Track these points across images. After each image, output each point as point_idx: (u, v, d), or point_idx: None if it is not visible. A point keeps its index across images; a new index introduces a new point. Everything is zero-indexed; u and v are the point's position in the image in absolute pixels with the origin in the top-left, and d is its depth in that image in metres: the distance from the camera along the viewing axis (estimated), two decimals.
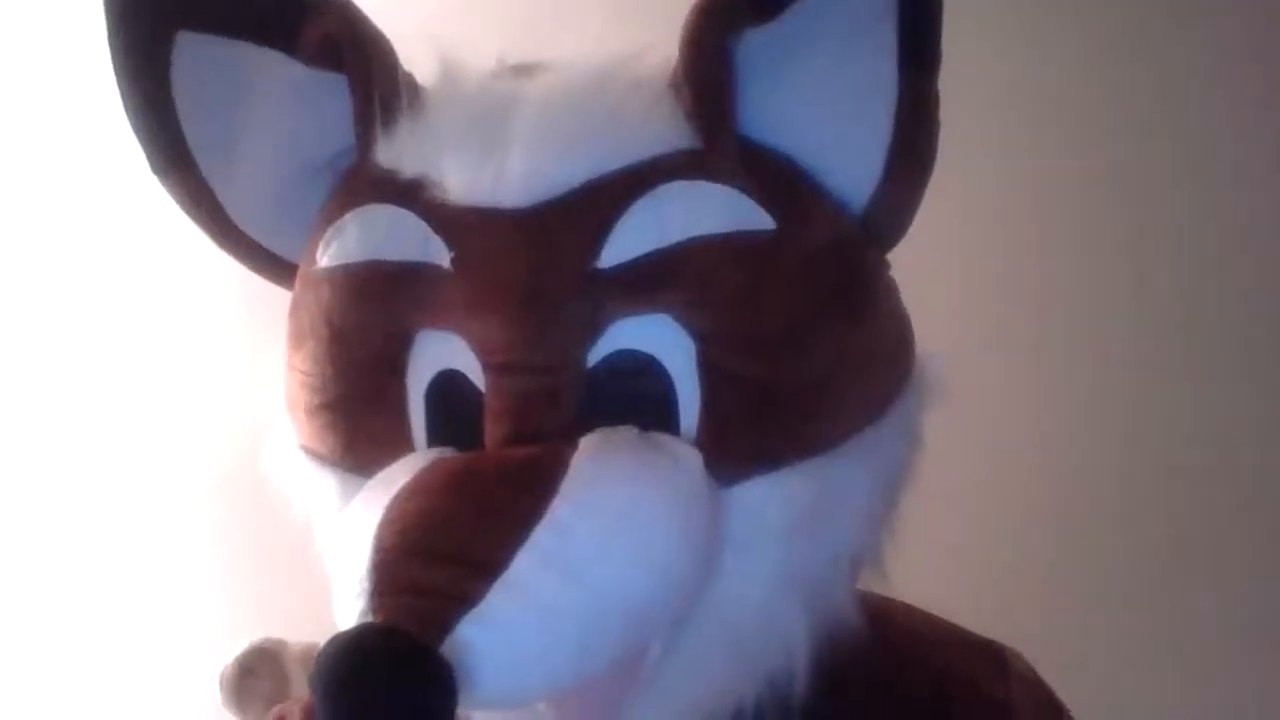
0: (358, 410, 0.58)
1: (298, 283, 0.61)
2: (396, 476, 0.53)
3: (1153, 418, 1.15)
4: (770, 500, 0.55)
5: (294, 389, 0.61)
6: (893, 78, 0.57)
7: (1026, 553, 1.15)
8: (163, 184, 0.61)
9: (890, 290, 0.61)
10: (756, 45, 0.56)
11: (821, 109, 0.58)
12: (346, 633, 0.47)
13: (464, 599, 0.47)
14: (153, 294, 1.35)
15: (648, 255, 0.53)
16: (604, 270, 0.53)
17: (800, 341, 0.55)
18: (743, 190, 0.55)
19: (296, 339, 0.60)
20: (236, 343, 1.29)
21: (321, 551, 0.62)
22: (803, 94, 0.57)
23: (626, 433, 0.53)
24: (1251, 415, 1.14)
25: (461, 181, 0.54)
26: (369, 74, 0.58)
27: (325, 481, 0.60)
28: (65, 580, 1.38)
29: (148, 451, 1.36)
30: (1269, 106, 1.11)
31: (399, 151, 0.57)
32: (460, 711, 0.47)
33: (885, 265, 0.61)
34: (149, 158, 0.61)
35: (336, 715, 0.46)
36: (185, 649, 1.32)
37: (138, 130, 0.60)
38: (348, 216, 0.57)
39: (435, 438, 0.57)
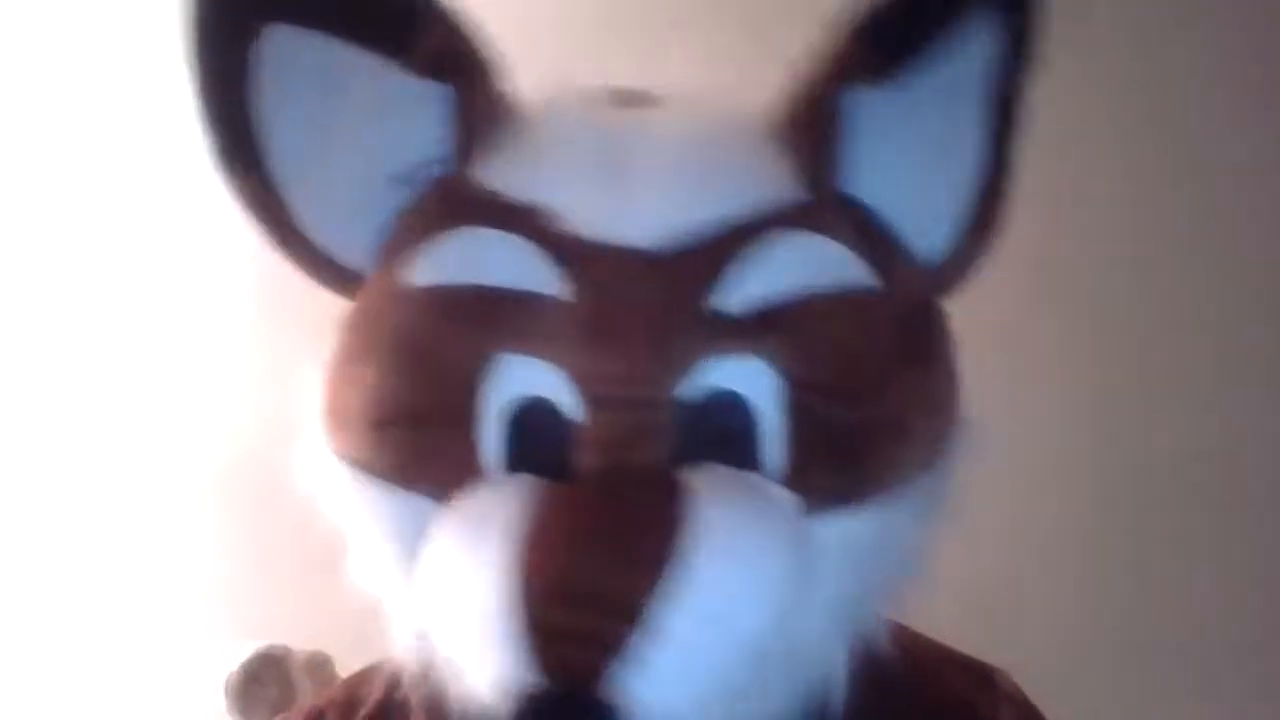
0: (428, 429, 0.56)
1: (373, 294, 0.59)
2: (496, 509, 0.53)
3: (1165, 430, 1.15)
4: (836, 537, 0.56)
5: (351, 401, 0.59)
6: (980, 143, 0.60)
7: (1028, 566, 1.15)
8: (225, 180, 0.58)
9: (951, 340, 0.62)
10: (863, 103, 0.57)
11: (913, 170, 0.59)
12: (531, 687, 0.48)
13: (620, 647, 0.48)
14: (156, 292, 1.36)
15: (762, 301, 0.54)
16: (721, 313, 0.54)
17: (883, 390, 0.57)
18: (845, 244, 0.57)
19: (365, 351, 0.58)
20: (242, 343, 1.30)
21: (355, 563, 0.61)
22: (898, 154, 0.59)
23: (728, 474, 0.54)
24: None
25: (586, 214, 0.54)
26: (479, 91, 0.57)
27: (373, 497, 0.58)
28: (62, 581, 1.39)
29: (150, 450, 1.36)
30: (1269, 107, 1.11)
31: (508, 174, 0.56)
32: None
33: (947, 316, 0.62)
34: (216, 152, 0.58)
35: None
36: (184, 650, 1.32)
37: (208, 121, 0.57)
38: (450, 236, 0.56)
39: (510, 463, 0.56)
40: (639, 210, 0.54)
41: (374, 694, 0.70)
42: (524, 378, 0.55)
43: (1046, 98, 1.12)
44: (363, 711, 0.69)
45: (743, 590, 0.51)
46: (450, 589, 0.53)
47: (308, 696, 1.01)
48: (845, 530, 0.56)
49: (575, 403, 0.54)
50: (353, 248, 0.59)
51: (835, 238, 0.56)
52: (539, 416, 0.55)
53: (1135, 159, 1.13)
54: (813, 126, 0.57)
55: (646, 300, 0.54)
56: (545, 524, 0.51)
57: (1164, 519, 1.16)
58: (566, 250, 0.54)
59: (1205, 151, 1.12)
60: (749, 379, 0.55)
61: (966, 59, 0.59)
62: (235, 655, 1.05)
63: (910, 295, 0.59)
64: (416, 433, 0.57)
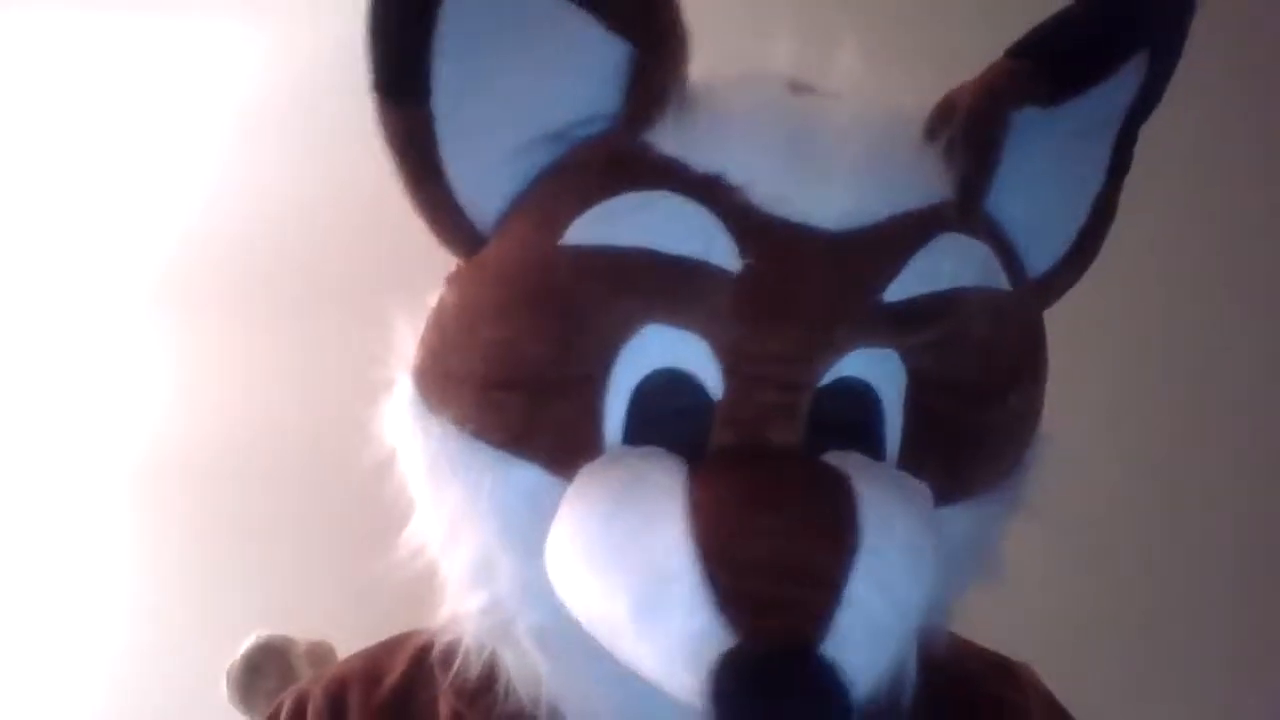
0: (554, 392, 0.55)
1: (508, 250, 0.57)
2: (655, 478, 0.53)
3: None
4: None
5: (468, 359, 0.57)
6: (1099, 177, 0.64)
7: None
8: (380, 106, 0.56)
9: (1048, 358, 0.64)
10: (1023, 125, 0.59)
11: (1044, 194, 0.62)
12: (748, 655, 0.48)
13: (824, 618, 0.49)
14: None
15: (923, 296, 0.55)
16: (886, 304, 0.54)
17: (1001, 396, 0.59)
18: (991, 250, 0.58)
19: (493, 308, 0.57)
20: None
21: (415, 533, 0.61)
22: (1035, 177, 0.61)
23: (866, 460, 0.55)
24: None
25: (773, 192, 0.54)
26: (665, 55, 0.56)
27: (476, 461, 0.57)
28: (60, 570, 1.37)
29: (143, 440, 1.35)
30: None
31: (687, 144, 0.55)
32: None
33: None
34: (380, 74, 0.55)
35: None
36: (185, 640, 1.31)
37: (378, 43, 0.54)
38: (624, 198, 0.54)
39: (631, 434, 0.55)
40: (824, 192, 0.54)
41: (399, 667, 0.69)
42: (666, 348, 0.54)
43: None
44: (387, 683, 0.69)
45: (908, 564, 0.52)
46: (617, 558, 0.52)
47: (300, 683, 1.00)
48: (944, 528, 0.56)
49: (718, 377, 0.54)
50: (488, 200, 0.57)
51: (983, 241, 0.58)
52: (671, 389, 0.54)
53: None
54: (976, 137, 0.58)
55: (821, 281, 0.54)
56: (720, 494, 0.51)
57: (1164, 518, 1.17)
58: (748, 224, 0.53)
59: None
60: (878, 370, 0.55)
61: (1111, 99, 0.62)
62: (237, 645, 1.04)
63: (1030, 309, 0.62)
64: (538, 395, 0.55)
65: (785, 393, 0.54)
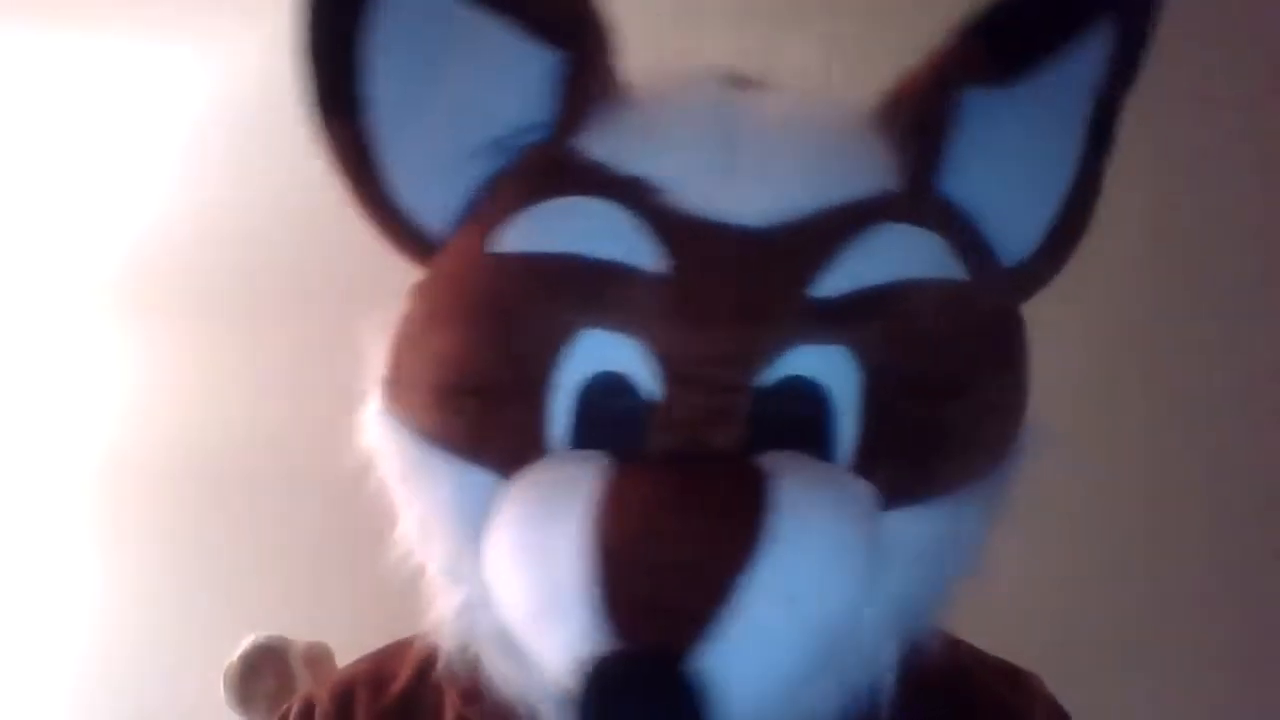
0: (500, 400, 0.56)
1: (453, 260, 0.58)
2: (570, 481, 0.53)
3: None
4: (899, 534, 0.55)
5: (420, 367, 0.58)
6: (1073, 158, 0.61)
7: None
8: (320, 126, 0.57)
9: (1027, 347, 0.62)
10: (973, 105, 0.58)
11: (1009, 175, 0.60)
12: (607, 652, 0.48)
13: (704, 623, 0.48)
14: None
15: (860, 290, 0.54)
16: (817, 299, 0.54)
17: (964, 389, 0.57)
18: (943, 238, 0.57)
19: (440, 317, 0.57)
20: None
21: (402, 536, 0.60)
22: (997, 158, 0.59)
23: (806, 461, 0.54)
24: None
25: (691, 190, 0.54)
26: (590, 60, 0.57)
27: (434, 468, 0.58)
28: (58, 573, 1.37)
29: (140, 443, 1.35)
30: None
31: (613, 147, 0.56)
32: None
33: (1024, 323, 0.63)
34: (315, 94, 0.57)
35: None
36: (183, 642, 1.31)
37: (310, 62, 0.56)
38: (549, 204, 0.55)
39: (577, 439, 0.55)
40: (746, 189, 0.54)
41: (405, 670, 0.69)
42: (603, 352, 0.54)
43: None
44: (394, 687, 0.69)
45: (821, 576, 0.51)
46: (522, 559, 0.52)
47: (307, 687, 1.00)
48: (909, 528, 0.56)
49: (654, 380, 0.54)
50: (436, 210, 0.58)
51: (932, 231, 0.56)
52: (612, 393, 0.54)
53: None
54: (923, 122, 0.58)
55: (746, 280, 0.53)
56: (625, 497, 0.51)
57: (1164, 518, 1.18)
58: (669, 224, 0.54)
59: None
60: (828, 368, 0.55)
61: (1076, 72, 0.60)
62: (234, 646, 1.04)
63: (995, 297, 0.60)
64: (485, 403, 0.56)
65: (720, 394, 0.53)
